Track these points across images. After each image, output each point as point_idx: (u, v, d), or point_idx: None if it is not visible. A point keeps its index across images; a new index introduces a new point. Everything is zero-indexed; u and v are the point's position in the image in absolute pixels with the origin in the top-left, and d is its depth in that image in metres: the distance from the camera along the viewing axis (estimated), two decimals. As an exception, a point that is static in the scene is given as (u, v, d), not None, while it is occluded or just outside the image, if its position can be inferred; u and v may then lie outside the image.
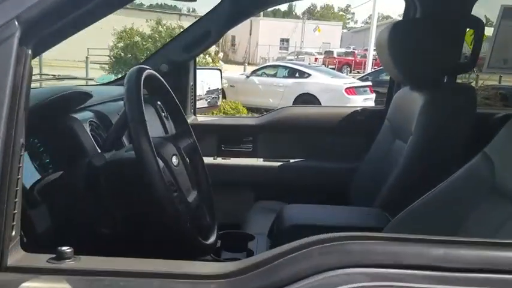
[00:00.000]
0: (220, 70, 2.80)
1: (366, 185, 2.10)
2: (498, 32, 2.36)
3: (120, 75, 2.29)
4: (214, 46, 17.00)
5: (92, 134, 1.38)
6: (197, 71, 2.68)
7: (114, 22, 14.29)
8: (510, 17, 2.33)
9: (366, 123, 2.47)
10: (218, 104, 2.82)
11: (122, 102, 1.55)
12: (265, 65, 13.18)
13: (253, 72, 12.37)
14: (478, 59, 2.16)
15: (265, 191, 2.40)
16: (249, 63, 24.66)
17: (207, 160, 2.44)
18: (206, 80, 2.71)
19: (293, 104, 10.99)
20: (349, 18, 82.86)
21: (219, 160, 2.47)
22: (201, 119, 2.52)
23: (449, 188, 1.37)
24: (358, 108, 2.55)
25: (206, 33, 2.22)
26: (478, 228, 1.25)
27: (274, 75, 12.10)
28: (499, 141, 1.32)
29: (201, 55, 10.44)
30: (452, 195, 1.36)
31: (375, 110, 2.51)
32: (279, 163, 2.45)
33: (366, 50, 21.66)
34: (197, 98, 2.64)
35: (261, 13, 40.56)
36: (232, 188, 2.43)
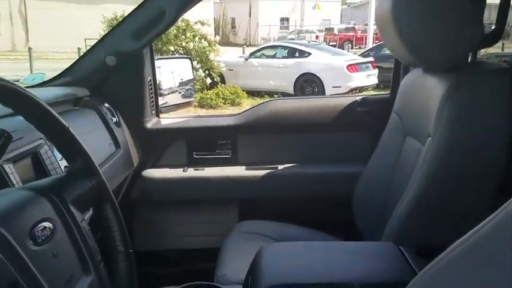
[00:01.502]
0: (190, 59, 2.34)
1: (373, 197, 1.65)
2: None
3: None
4: (212, 29, 16.66)
5: None
6: (165, 60, 2.27)
7: (105, 10, 13.93)
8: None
9: (369, 115, 2.00)
10: (193, 96, 2.36)
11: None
12: (263, 46, 12.80)
13: (252, 54, 11.94)
14: (505, 26, 1.70)
15: (249, 207, 2.01)
16: (250, 45, 24.62)
17: (176, 172, 2.01)
18: (177, 71, 2.32)
19: (294, 83, 10.85)
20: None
21: (191, 172, 2.02)
22: (165, 121, 2.05)
23: (501, 232, 0.88)
24: (358, 98, 2.07)
25: (159, 14, 1.73)
26: None
27: (274, 56, 11.66)
28: None
29: (196, 38, 10.03)
30: (504, 243, 0.86)
31: (378, 98, 2.05)
32: (265, 171, 2.01)
33: (366, 24, 21.44)
34: (169, 91, 2.26)
35: (260, -7, 40.26)
36: (209, 206, 2.02)
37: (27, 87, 1.76)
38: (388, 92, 2.06)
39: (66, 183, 0.84)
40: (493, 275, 0.85)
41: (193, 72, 2.30)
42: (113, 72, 1.82)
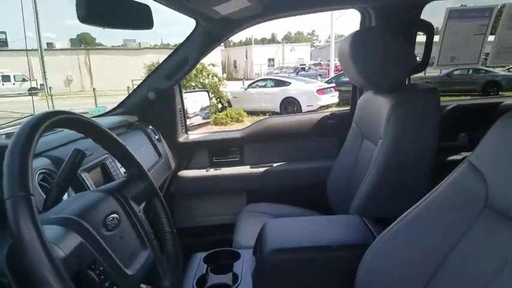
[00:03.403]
0: (207, 91, 2.32)
1: (341, 183, 1.61)
2: (445, 33, 1.87)
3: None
4: (220, 69, 16.65)
5: (42, 185, 0.87)
6: (190, 93, 2.23)
7: (145, 59, 13.91)
8: (455, 18, 1.84)
9: (335, 125, 1.98)
10: (210, 118, 2.33)
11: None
12: (257, 79, 12.72)
13: (249, 85, 11.82)
14: (429, 58, 1.68)
15: (254, 194, 1.95)
16: (247, 79, 24.49)
17: (201, 172, 1.98)
18: (198, 100, 2.26)
19: (280, 104, 10.74)
20: (314, 39, 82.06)
21: (212, 171, 1.98)
22: (192, 137, 2.02)
23: (439, 203, 0.86)
24: (327, 113, 2.04)
25: (184, 60, 1.72)
26: (478, 253, 0.74)
27: (265, 86, 11.53)
28: (487, 151, 0.80)
29: (210, 76, 10.00)
30: (442, 211, 0.84)
31: (342, 113, 2.01)
32: (264, 168, 1.97)
33: (329, 60, 21.30)
34: (193, 115, 2.19)
35: (253, 41, 40.14)
36: (225, 194, 1.99)
37: (94, 116, 1.74)
38: (348, 108, 2.03)
39: (126, 185, 0.82)
40: (428, 237, 0.84)
41: (209, 101, 2.27)
42: (154, 103, 1.80)
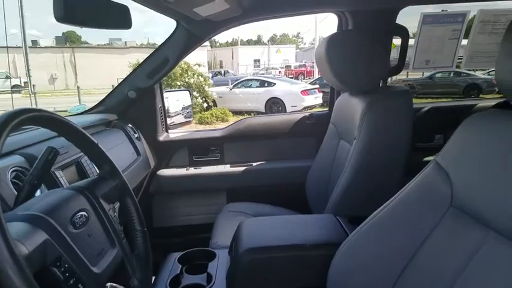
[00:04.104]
0: (189, 90, 2.30)
1: (319, 183, 1.62)
2: (420, 37, 1.91)
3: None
4: (206, 68, 16.51)
5: (15, 182, 0.85)
6: (172, 92, 2.21)
7: (130, 58, 13.73)
8: (429, 22, 1.88)
9: (314, 125, 1.99)
10: (192, 117, 2.32)
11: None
12: (242, 79, 12.69)
13: (234, 86, 11.78)
14: (405, 61, 1.73)
15: (234, 193, 1.95)
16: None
17: (181, 171, 1.96)
18: (180, 99, 2.25)
19: (265, 104, 10.74)
20: (299, 41, 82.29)
21: (192, 170, 1.97)
22: (173, 135, 2.00)
23: (406, 202, 0.87)
24: (307, 114, 2.05)
25: (165, 60, 1.71)
26: (446, 250, 0.76)
27: (250, 86, 11.51)
28: (452, 152, 0.82)
29: (195, 76, 9.94)
30: (410, 210, 0.86)
31: (321, 114, 2.02)
32: (244, 167, 1.97)
33: (313, 62, 21.41)
34: (175, 114, 2.19)
35: (239, 42, 40.09)
36: (205, 193, 1.98)
37: (73, 115, 1.71)
38: (328, 109, 2.06)
39: (97, 183, 0.81)
40: (395, 237, 0.85)
41: (191, 100, 2.26)
42: (134, 102, 1.78)
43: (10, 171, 0.85)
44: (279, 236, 1.08)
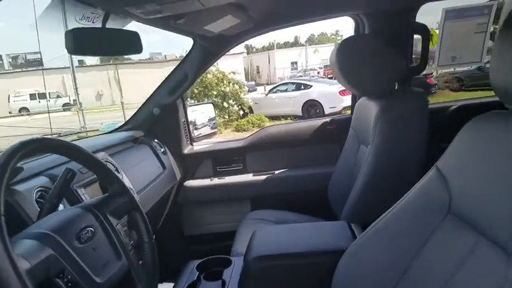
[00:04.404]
0: (212, 103, 2.38)
1: (340, 188, 1.62)
2: (443, 33, 1.85)
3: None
4: (242, 75, 16.65)
5: (40, 201, 0.96)
6: (197, 106, 2.30)
7: (167, 71, 14.18)
8: (451, 18, 1.82)
9: (336, 131, 1.99)
10: (216, 128, 2.41)
11: (100, 154, 1.12)
12: (278, 84, 12.72)
13: (270, 91, 11.84)
14: (428, 59, 1.66)
15: (258, 201, 1.99)
16: (270, 83, 24.51)
17: (206, 182, 2.04)
18: (206, 112, 2.34)
19: (302, 108, 10.66)
20: (339, 39, 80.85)
21: (216, 180, 2.04)
22: (197, 147, 2.09)
23: (407, 208, 0.88)
24: (328, 119, 2.05)
25: (184, 76, 1.80)
26: (440, 256, 0.76)
27: (286, 90, 11.49)
28: (452, 158, 0.81)
29: (230, 84, 10.12)
30: (410, 216, 0.86)
31: (342, 118, 2.02)
32: (266, 176, 2.01)
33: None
34: (202, 126, 2.28)
35: (275, 46, 40.11)
36: (230, 202, 2.04)
37: (104, 133, 1.85)
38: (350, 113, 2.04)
39: (106, 201, 0.89)
40: (395, 244, 0.86)
41: (215, 112, 2.34)
42: (158, 118, 1.89)
43: (35, 191, 0.96)
44: (288, 244, 1.11)
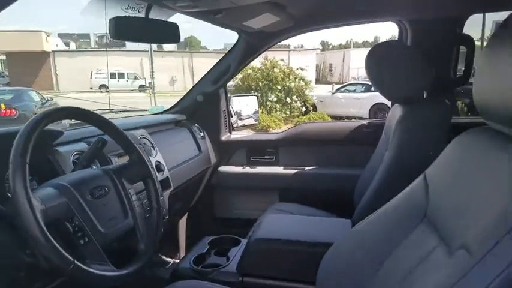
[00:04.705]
0: (256, 96, 2.49)
1: (363, 192, 1.64)
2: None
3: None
4: (313, 72, 16.45)
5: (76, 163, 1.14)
6: (242, 97, 2.43)
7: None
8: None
9: (371, 135, 1.99)
10: (258, 120, 2.50)
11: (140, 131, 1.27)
12: (347, 83, 12.46)
13: (337, 90, 11.67)
14: (472, 70, 1.65)
15: (286, 194, 2.08)
16: (342, 82, 24.00)
17: (239, 169, 2.17)
18: (250, 104, 2.44)
19: (369, 110, 10.37)
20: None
21: (248, 168, 2.17)
22: (234, 136, 2.23)
23: (390, 210, 0.93)
24: (365, 122, 2.07)
25: (227, 68, 1.94)
26: (406, 256, 0.81)
27: (354, 91, 11.28)
28: (438, 166, 0.85)
29: (296, 80, 10.15)
30: (391, 218, 0.91)
31: (378, 122, 2.01)
32: (296, 170, 2.08)
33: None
34: (247, 117, 2.39)
35: (351, 45, 38.94)
36: (259, 191, 2.15)
37: (152, 114, 2.05)
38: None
39: (124, 167, 1.05)
40: (374, 241, 0.90)
41: (258, 105, 2.44)
42: (201, 105, 2.05)
43: (73, 153, 1.15)
44: (287, 232, 1.21)
